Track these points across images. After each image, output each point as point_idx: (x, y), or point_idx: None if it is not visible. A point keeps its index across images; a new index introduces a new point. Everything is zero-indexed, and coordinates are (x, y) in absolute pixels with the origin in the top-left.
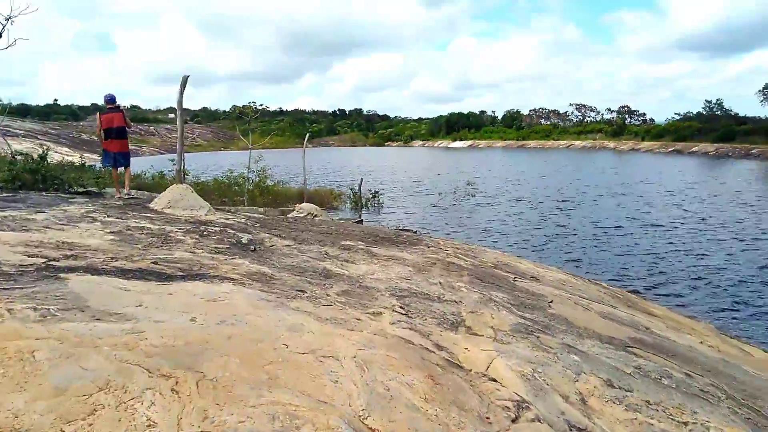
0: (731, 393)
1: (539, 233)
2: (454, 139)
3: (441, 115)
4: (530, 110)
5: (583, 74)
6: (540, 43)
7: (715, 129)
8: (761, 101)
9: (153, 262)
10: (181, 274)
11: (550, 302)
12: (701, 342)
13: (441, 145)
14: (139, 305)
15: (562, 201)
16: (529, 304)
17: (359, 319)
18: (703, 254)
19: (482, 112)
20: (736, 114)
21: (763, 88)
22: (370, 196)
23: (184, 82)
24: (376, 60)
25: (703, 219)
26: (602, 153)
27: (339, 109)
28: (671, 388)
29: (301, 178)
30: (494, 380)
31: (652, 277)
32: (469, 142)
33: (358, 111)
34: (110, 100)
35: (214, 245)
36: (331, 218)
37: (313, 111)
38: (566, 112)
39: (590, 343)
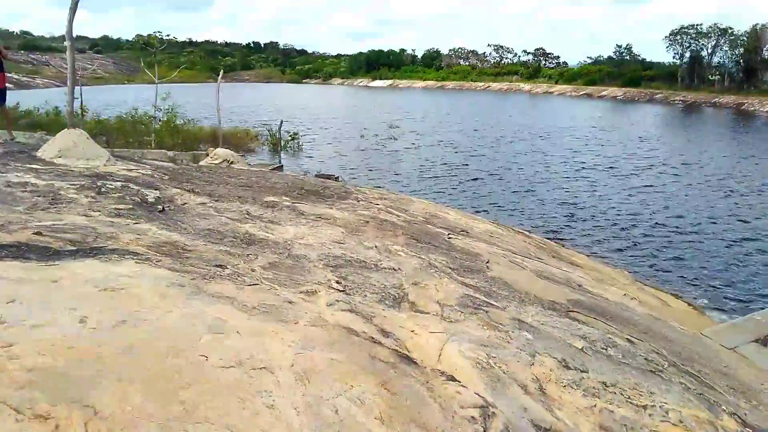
0: (672, 359)
1: (461, 178)
2: (374, 78)
3: (361, 53)
4: (450, 50)
5: (502, 14)
6: None
7: (624, 74)
8: (667, 47)
9: (36, 233)
10: (72, 248)
11: (487, 263)
12: (625, 294)
13: (361, 84)
14: (12, 301)
15: (481, 145)
16: (468, 266)
17: (292, 302)
18: (612, 199)
19: (402, 50)
20: (644, 59)
21: (670, 35)
22: (289, 138)
23: (75, 4)
24: None
25: (611, 166)
26: (518, 95)
27: (254, 42)
28: (622, 363)
29: (214, 117)
30: (452, 379)
31: (566, 222)
32: (389, 82)
33: (274, 45)
34: None
35: (113, 206)
36: (249, 165)
37: (226, 43)
38: (484, 53)
39: (534, 310)
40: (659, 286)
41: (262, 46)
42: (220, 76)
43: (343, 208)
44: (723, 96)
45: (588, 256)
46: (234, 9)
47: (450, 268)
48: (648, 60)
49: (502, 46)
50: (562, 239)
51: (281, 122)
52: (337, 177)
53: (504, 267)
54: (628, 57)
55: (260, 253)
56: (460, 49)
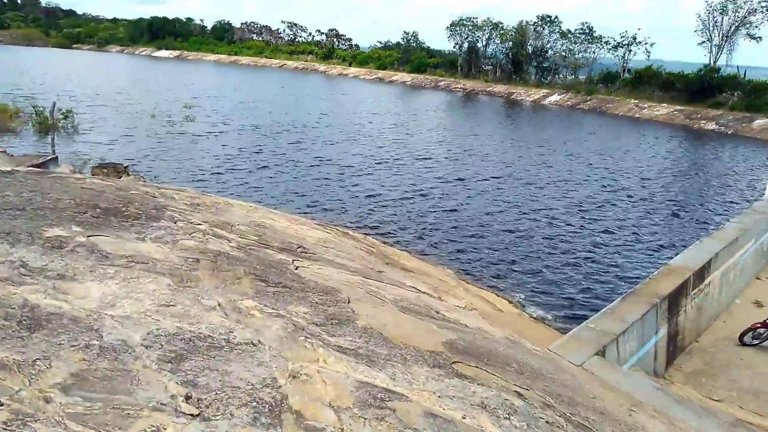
0: (563, 411)
1: (263, 168)
2: (159, 48)
3: (142, 18)
4: (242, 23)
5: None
6: None
7: (411, 60)
8: (448, 37)
9: None
10: None
11: (349, 302)
12: (464, 307)
13: (143, 53)
14: None
15: (284, 130)
16: (334, 315)
17: None
18: (417, 189)
19: (189, 19)
20: (428, 47)
21: (450, 25)
22: (62, 116)
23: None
24: None
25: (397, 156)
26: (314, 75)
27: None
28: None
29: None
30: None
31: (373, 211)
32: (176, 53)
33: (34, 2)
34: None
35: None
36: (10, 158)
37: None
38: (278, 30)
39: (422, 373)
40: (477, 283)
41: (19, 2)
42: None
43: (159, 237)
44: (496, 86)
45: (410, 254)
46: None
47: (317, 324)
48: (432, 48)
49: (296, 24)
50: (377, 232)
51: (54, 104)
52: (126, 167)
53: (366, 305)
54: (414, 44)
55: (54, 350)
56: (252, 24)
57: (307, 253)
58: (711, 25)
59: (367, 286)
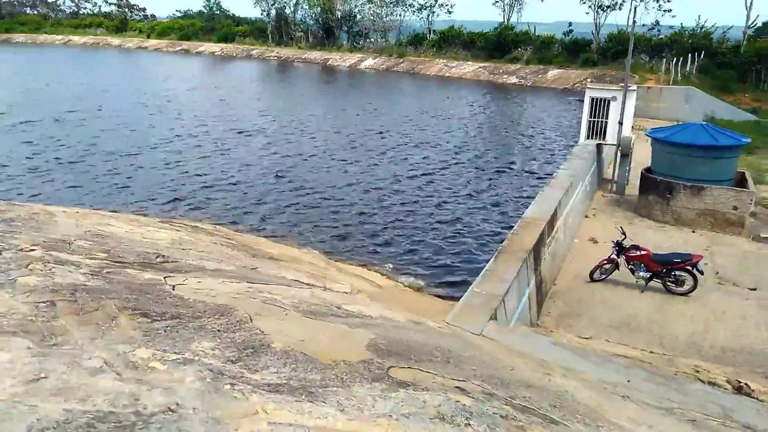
0: (503, 396)
1: (73, 163)
2: None
3: None
4: None
5: None
6: None
7: (216, 29)
8: (254, 4)
9: None
10: None
11: (252, 321)
12: (359, 292)
13: None
14: None
15: (85, 118)
16: (246, 343)
17: None
18: (240, 168)
19: None
20: (234, 15)
21: None
22: None
23: None
24: None
25: (236, 130)
26: (109, 51)
27: None
28: None
29: None
30: None
31: (206, 199)
32: None
33: None
34: None
35: None
36: None
37: None
38: (56, 2)
39: (365, 392)
40: (345, 261)
41: None
42: None
43: None
44: (311, 52)
45: (267, 239)
46: None
47: (233, 361)
48: (238, 15)
49: None
50: (221, 220)
51: None
52: None
53: (270, 319)
54: (218, 12)
55: None
56: None
57: (170, 263)
58: None
59: (258, 293)
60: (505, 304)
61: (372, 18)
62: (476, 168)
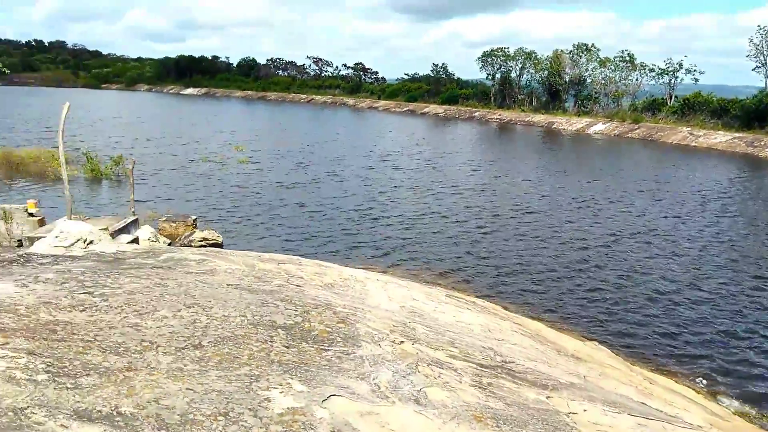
0: None
1: (327, 218)
2: (187, 86)
3: (169, 57)
4: (267, 60)
5: (309, 25)
6: None
7: (441, 92)
8: (480, 68)
9: None
10: None
11: None
12: (709, 426)
13: (171, 91)
14: None
15: (340, 169)
16: None
17: None
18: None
19: (215, 57)
20: (459, 78)
21: (482, 56)
22: (112, 163)
23: None
24: None
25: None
26: (344, 109)
27: (35, 40)
28: None
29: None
30: None
31: (461, 264)
32: (204, 90)
33: (61, 44)
34: None
35: None
36: (113, 240)
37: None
38: (303, 65)
39: None
40: (643, 362)
41: (46, 45)
42: (65, 108)
43: (413, 395)
44: (534, 115)
45: (544, 322)
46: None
47: None
48: (462, 78)
49: (321, 59)
50: (496, 296)
51: (133, 164)
52: (195, 219)
53: None
54: (444, 75)
55: None
56: (278, 60)
57: (509, 363)
58: (766, 49)
59: (590, 398)
60: None
61: (603, 82)
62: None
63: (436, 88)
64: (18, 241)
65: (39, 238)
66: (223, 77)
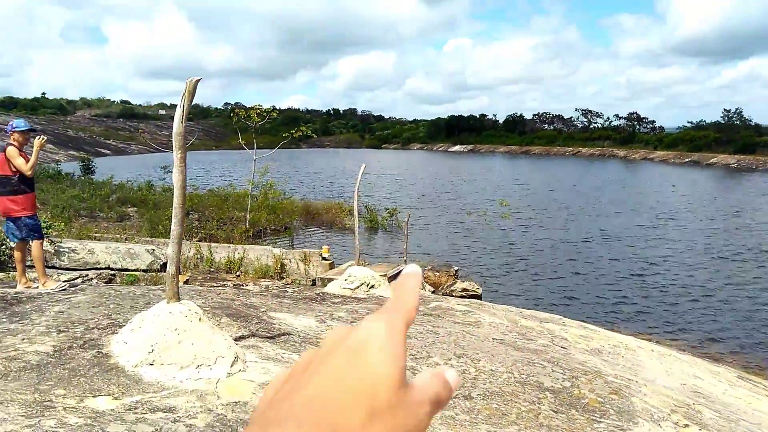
0: None
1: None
2: (454, 143)
3: (440, 118)
4: (533, 114)
5: (578, 78)
6: (538, 45)
7: (734, 140)
8: None
9: None
10: None
11: None
12: None
13: (440, 149)
14: None
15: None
16: None
17: None
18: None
19: (482, 115)
20: (757, 124)
21: None
22: (387, 214)
23: (193, 88)
24: (372, 58)
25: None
26: (613, 162)
27: (333, 109)
28: None
29: (300, 186)
30: None
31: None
32: (469, 147)
33: (353, 111)
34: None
35: None
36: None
37: (307, 110)
38: (571, 118)
39: None
40: None
41: (341, 112)
42: (362, 168)
43: None
44: None
45: None
46: (314, 78)
47: None
48: (762, 125)
49: (590, 111)
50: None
51: (408, 216)
52: (456, 270)
53: None
54: (738, 122)
55: None
56: (544, 114)
57: None
58: None
59: None
60: None
61: None
62: None
63: (727, 136)
64: (312, 280)
65: (329, 279)
66: (489, 134)
